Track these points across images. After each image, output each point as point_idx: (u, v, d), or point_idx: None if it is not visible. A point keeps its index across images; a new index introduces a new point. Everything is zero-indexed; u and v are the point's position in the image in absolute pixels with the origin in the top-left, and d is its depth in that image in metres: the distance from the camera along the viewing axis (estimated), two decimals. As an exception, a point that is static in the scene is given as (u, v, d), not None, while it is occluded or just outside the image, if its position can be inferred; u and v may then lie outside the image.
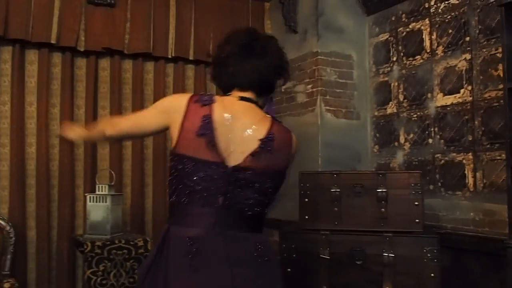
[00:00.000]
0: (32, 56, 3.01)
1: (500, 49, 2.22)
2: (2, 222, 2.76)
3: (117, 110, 3.14)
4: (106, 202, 2.74)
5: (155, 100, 3.20)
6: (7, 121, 2.95)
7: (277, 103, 3.38)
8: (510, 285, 1.92)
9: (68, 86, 3.05)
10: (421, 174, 2.28)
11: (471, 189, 2.48)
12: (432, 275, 2.14)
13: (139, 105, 3.19)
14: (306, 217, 2.33)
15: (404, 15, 2.91)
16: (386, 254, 2.17)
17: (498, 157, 2.36)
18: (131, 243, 2.70)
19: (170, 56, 3.25)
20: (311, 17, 3.07)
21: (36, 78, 3.01)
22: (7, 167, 2.93)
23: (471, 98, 2.50)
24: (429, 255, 2.15)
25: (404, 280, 2.16)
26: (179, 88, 3.31)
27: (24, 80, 2.99)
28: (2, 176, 2.93)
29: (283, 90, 3.33)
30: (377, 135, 3.07)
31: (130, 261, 2.68)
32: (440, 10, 2.69)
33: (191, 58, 3.30)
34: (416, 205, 2.21)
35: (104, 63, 3.18)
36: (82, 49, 3.03)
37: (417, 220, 2.20)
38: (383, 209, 2.24)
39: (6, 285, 2.56)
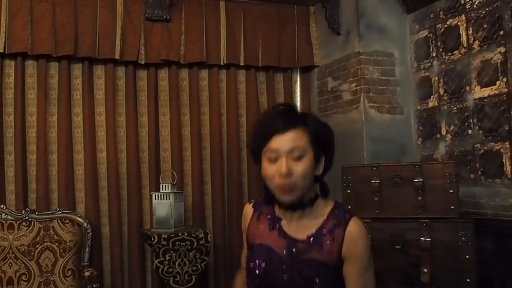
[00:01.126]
0: (99, 71, 3.52)
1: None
2: (81, 220, 3.29)
3: (176, 115, 3.61)
4: (169, 199, 3.20)
5: (211, 105, 3.69)
6: (80, 130, 3.47)
7: (324, 102, 3.73)
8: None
9: (131, 96, 3.54)
10: (455, 164, 2.54)
11: (509, 177, 2.71)
12: (467, 257, 2.40)
13: (196, 110, 3.64)
14: (349, 207, 2.65)
15: (441, 12, 3.16)
16: (424, 239, 2.46)
17: (535, 145, 2.59)
18: (193, 235, 3.14)
19: (222, 63, 3.66)
20: (352, 19, 3.39)
21: (104, 91, 3.52)
22: (82, 171, 3.45)
23: (506, 90, 2.72)
24: (463, 238, 2.41)
25: (441, 262, 2.44)
26: (232, 92, 3.74)
27: (93, 93, 3.50)
28: (78, 179, 3.45)
29: (329, 89, 3.67)
30: (421, 128, 3.34)
31: (193, 251, 3.12)
32: (475, 6, 2.92)
33: (241, 64, 3.70)
34: (451, 192, 2.48)
35: (163, 73, 3.64)
36: (142, 62, 3.50)
37: (452, 207, 2.47)
38: (420, 198, 2.52)
39: (86, 273, 3.08)
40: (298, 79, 3.96)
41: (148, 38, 3.51)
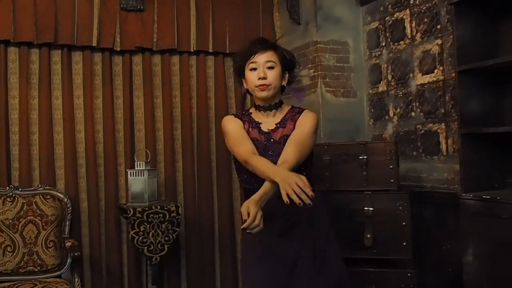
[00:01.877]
0: (77, 57, 3.74)
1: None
2: (61, 195, 3.54)
3: (149, 98, 3.87)
4: (143, 176, 3.49)
5: (182, 88, 3.97)
6: (60, 112, 3.69)
7: (286, 86, 4.04)
8: (463, 229, 2.52)
9: (108, 81, 3.77)
10: (394, 143, 2.90)
11: (445, 154, 3.08)
12: (404, 223, 2.77)
13: (168, 93, 3.91)
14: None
15: (390, 5, 3.49)
16: (367, 208, 2.82)
17: (465, 126, 2.94)
18: (165, 208, 3.44)
19: (192, 50, 3.93)
20: (311, 11, 3.69)
21: (82, 76, 3.73)
22: (61, 150, 3.69)
23: (442, 77, 3.08)
24: (401, 208, 2.78)
25: (382, 228, 2.80)
26: (201, 76, 4.01)
27: (72, 77, 3.72)
28: (58, 158, 3.69)
29: (291, 75, 3.98)
30: (372, 110, 3.68)
31: (165, 223, 3.42)
32: (417, 2, 3.26)
33: (210, 50, 3.97)
34: (391, 168, 2.84)
35: (137, 59, 3.88)
36: (118, 49, 3.74)
37: (392, 180, 2.83)
38: (364, 173, 2.87)
39: (68, 243, 3.34)
40: (263, 64, 4.24)
41: (123, 27, 3.74)
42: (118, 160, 3.83)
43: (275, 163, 1.98)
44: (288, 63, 2.16)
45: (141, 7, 3.74)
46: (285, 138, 2.09)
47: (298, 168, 2.00)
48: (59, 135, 3.71)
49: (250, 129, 2.16)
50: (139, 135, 3.90)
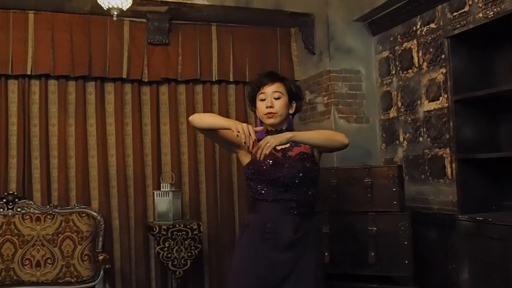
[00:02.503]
0: (109, 87, 4.12)
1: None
2: (95, 214, 3.87)
3: (175, 124, 4.21)
4: (168, 196, 3.80)
5: (204, 115, 4.26)
6: (94, 138, 4.06)
7: (303, 112, 4.29)
8: (459, 249, 2.69)
9: (137, 109, 4.13)
10: (398, 167, 3.10)
11: (449, 177, 3.25)
12: (406, 242, 2.96)
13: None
14: (313, 202, 3.21)
15: (399, 36, 3.71)
16: (371, 228, 3.02)
17: (467, 151, 3.12)
18: (188, 226, 3.73)
19: (214, 80, 4.25)
20: (324, 41, 3.95)
21: (113, 104, 4.11)
22: (95, 172, 4.06)
23: (447, 104, 3.26)
24: (403, 228, 2.97)
25: (385, 247, 2.99)
26: (223, 103, 4.33)
27: (105, 106, 4.10)
28: (92, 180, 4.05)
29: (307, 101, 4.24)
30: (384, 135, 3.89)
31: (188, 240, 3.71)
32: (423, 33, 3.47)
33: (231, 79, 4.29)
34: (394, 190, 3.03)
35: (163, 89, 4.24)
36: (146, 80, 4.10)
37: (394, 202, 3.02)
38: (369, 195, 3.08)
39: (100, 257, 3.68)
40: (282, 91, 4.52)
41: (150, 60, 4.10)
42: (146, 182, 4.16)
43: (292, 176, 2.22)
44: (294, 94, 2.39)
45: (167, 41, 4.08)
46: (301, 154, 2.28)
47: (305, 186, 2.24)
48: (93, 158, 4.07)
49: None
50: (165, 158, 4.23)
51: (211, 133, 2.34)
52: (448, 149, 3.26)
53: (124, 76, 4.03)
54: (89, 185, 4.05)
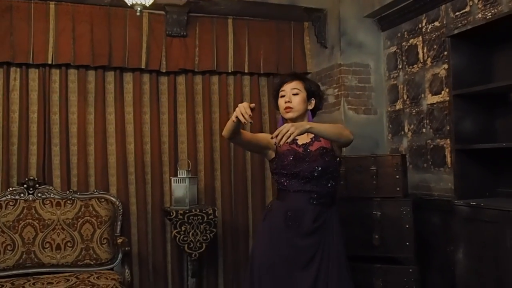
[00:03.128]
0: (128, 77, 4.61)
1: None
2: (113, 199, 4.38)
3: (191, 114, 4.70)
4: (185, 183, 4.30)
5: (221, 105, 4.75)
6: (113, 126, 4.55)
7: (314, 103, 4.77)
8: (455, 231, 3.16)
9: (155, 98, 4.63)
10: (401, 156, 3.58)
11: (449, 166, 3.73)
12: (407, 226, 3.45)
13: (208, 109, 4.73)
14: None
15: (406, 32, 4.18)
16: (376, 213, 3.51)
17: (467, 142, 3.59)
18: (203, 211, 4.23)
19: (230, 71, 4.74)
20: (336, 36, 4.42)
21: (132, 94, 4.60)
22: (114, 159, 4.55)
23: (448, 98, 3.72)
24: (404, 212, 3.45)
25: (388, 230, 3.48)
26: (238, 94, 4.82)
27: (123, 95, 4.59)
28: (111, 166, 4.55)
29: (318, 93, 4.72)
30: (390, 126, 4.36)
31: (203, 224, 4.21)
32: (428, 30, 3.93)
33: (246, 71, 4.78)
34: (397, 178, 3.52)
35: (181, 79, 4.73)
36: (164, 71, 4.59)
37: (398, 189, 3.51)
38: (374, 182, 3.57)
39: (119, 240, 4.17)
40: (294, 83, 5.01)
41: (169, 51, 4.58)
42: (163, 169, 4.66)
43: (311, 169, 2.62)
44: (312, 92, 2.78)
45: (184, 33, 4.57)
46: (321, 149, 2.67)
47: (325, 179, 2.66)
48: (112, 146, 4.56)
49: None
50: (182, 146, 4.73)
51: (236, 137, 2.58)
52: (448, 140, 3.73)
53: (143, 66, 4.51)
54: (108, 172, 4.53)
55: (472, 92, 3.18)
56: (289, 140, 2.31)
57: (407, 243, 3.44)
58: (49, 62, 4.32)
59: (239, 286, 4.75)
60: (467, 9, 3.55)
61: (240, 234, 4.75)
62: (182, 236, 4.17)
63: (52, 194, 4.29)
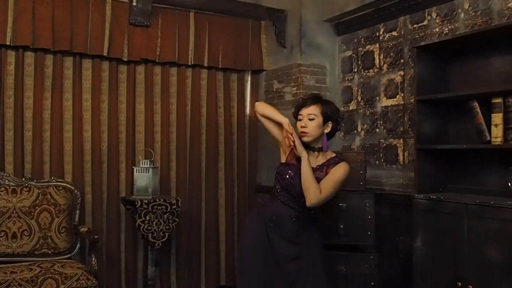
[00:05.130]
0: (87, 64, 4.48)
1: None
2: (72, 187, 4.27)
3: (150, 104, 4.67)
4: (148, 172, 4.29)
5: (178, 96, 4.77)
6: (70, 113, 4.41)
7: (270, 100, 4.95)
8: (415, 222, 3.50)
9: (113, 87, 4.54)
10: (364, 153, 3.88)
11: (401, 164, 4.09)
12: (369, 217, 3.75)
13: (166, 100, 4.73)
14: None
15: (362, 38, 4.48)
16: (341, 204, 3.77)
17: (419, 142, 3.96)
18: (167, 201, 4.25)
19: (190, 64, 4.77)
20: (296, 38, 4.63)
21: (90, 81, 4.48)
22: (70, 147, 4.42)
23: (403, 102, 4.08)
24: (367, 205, 3.75)
25: (352, 220, 3.76)
26: (196, 87, 4.85)
27: (82, 82, 4.46)
28: (66, 154, 4.41)
29: (274, 90, 4.90)
30: (343, 125, 4.65)
31: (166, 214, 4.23)
32: (385, 38, 4.26)
33: (205, 65, 4.84)
34: (361, 173, 3.80)
35: (140, 69, 4.68)
36: (125, 59, 4.52)
37: (361, 183, 3.80)
38: (340, 176, 3.82)
39: (83, 229, 4.06)
40: (249, 79, 5.17)
41: (131, 40, 4.52)
42: (120, 158, 4.60)
43: (301, 194, 2.81)
44: (329, 116, 2.89)
45: (148, 23, 4.52)
46: (317, 179, 2.81)
47: (310, 209, 2.84)
48: (68, 133, 4.42)
49: (295, 155, 2.90)
50: (139, 136, 4.69)
51: (267, 121, 2.98)
52: (401, 139, 4.09)
53: (105, 54, 4.41)
54: (63, 160, 4.39)
55: (432, 99, 3.52)
56: (290, 144, 2.82)
57: (369, 233, 3.74)
58: (7, 43, 4.10)
59: (191, 275, 4.82)
60: (425, 22, 3.91)
61: (193, 224, 4.82)
62: (146, 226, 4.16)
63: (6, 181, 4.08)
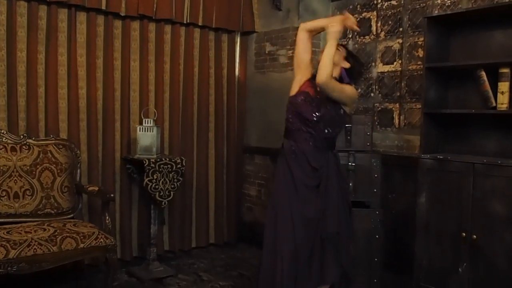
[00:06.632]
0: (81, 17, 4.26)
1: (421, 38, 4.08)
2: (72, 145, 4.11)
3: (145, 63, 4.56)
4: (152, 131, 4.23)
5: (172, 55, 4.69)
6: (64, 68, 4.20)
7: (261, 62, 5.01)
8: (420, 180, 3.80)
9: (109, 43, 4.37)
10: (372, 115, 4.10)
11: (396, 127, 4.37)
12: (376, 175, 4.00)
13: (160, 59, 4.64)
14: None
15: (359, 5, 4.65)
16: (350, 163, 3.99)
17: (414, 107, 4.25)
18: (172, 160, 4.24)
19: (185, 22, 4.69)
20: (293, 1, 4.69)
21: (85, 36, 4.28)
22: (65, 104, 4.23)
23: (400, 68, 4.34)
24: (374, 164, 4.00)
25: (361, 178, 3.99)
26: (189, 46, 4.79)
27: (76, 36, 4.25)
28: (61, 111, 4.22)
29: (267, 52, 4.96)
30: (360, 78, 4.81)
31: (172, 173, 4.23)
32: (384, 7, 4.46)
33: (200, 23, 4.78)
34: (368, 135, 4.04)
35: (135, 25, 4.53)
36: (123, 14, 4.35)
37: (368, 144, 4.04)
38: (348, 137, 4.03)
39: (91, 188, 3.97)
40: (239, 40, 5.17)
41: (129, -7, 4.36)
42: (115, 117, 4.47)
43: (312, 114, 3.01)
44: (351, 56, 3.24)
45: (145, -23, 4.38)
46: (327, 98, 3.03)
47: (323, 125, 3.05)
48: (63, 90, 4.22)
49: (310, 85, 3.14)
50: (134, 95, 4.57)
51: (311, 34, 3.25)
52: (397, 104, 4.36)
53: (103, 7, 4.22)
54: (58, 117, 4.20)
55: (440, 66, 3.80)
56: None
57: (375, 190, 4.00)
58: (0, -9, 3.80)
59: (182, 233, 4.86)
60: (426, -7, 4.15)
61: (185, 184, 4.84)
62: (154, 184, 4.14)
63: (4, 138, 3.85)
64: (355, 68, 3.20)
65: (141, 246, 4.61)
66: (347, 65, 3.18)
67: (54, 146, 3.99)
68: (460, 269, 3.49)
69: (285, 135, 3.19)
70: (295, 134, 3.10)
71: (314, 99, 3.07)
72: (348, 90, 3.14)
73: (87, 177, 4.34)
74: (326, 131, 3.09)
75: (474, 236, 3.43)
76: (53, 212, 3.90)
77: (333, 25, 3.04)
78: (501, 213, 3.30)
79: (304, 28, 3.22)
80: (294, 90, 3.16)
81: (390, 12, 4.42)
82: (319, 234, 3.06)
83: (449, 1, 4.01)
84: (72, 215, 3.99)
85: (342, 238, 3.14)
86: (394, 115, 4.40)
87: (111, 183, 4.44)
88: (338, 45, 3.09)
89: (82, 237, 3.49)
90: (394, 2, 4.38)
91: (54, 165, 3.94)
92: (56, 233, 3.44)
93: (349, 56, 3.22)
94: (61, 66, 4.20)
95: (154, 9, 4.50)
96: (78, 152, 4.11)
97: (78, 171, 4.12)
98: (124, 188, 4.52)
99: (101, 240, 3.55)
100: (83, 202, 4.16)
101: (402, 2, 4.32)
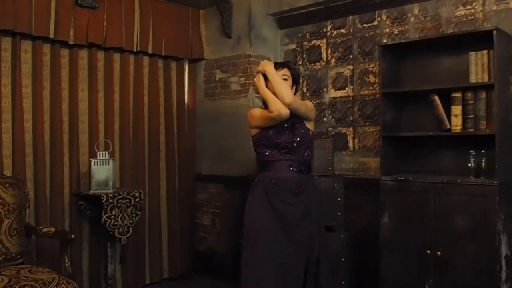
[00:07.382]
0: (26, 46, 3.98)
1: (371, 65, 4.24)
2: (21, 184, 3.76)
3: (94, 92, 4.34)
4: (108, 165, 4.00)
5: (121, 84, 4.51)
6: (8, 101, 3.90)
7: (211, 89, 4.95)
8: (382, 200, 3.90)
9: (56, 72, 4.11)
10: (332, 141, 4.17)
11: (351, 150, 4.48)
12: (339, 199, 4.06)
13: (110, 88, 4.44)
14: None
15: (308, 33, 4.75)
16: (315, 189, 4.02)
17: (368, 130, 4.38)
18: (131, 194, 4.03)
19: (135, 50, 4.54)
20: (245, 29, 4.71)
21: (30, 65, 4.00)
22: (9, 138, 3.90)
23: (352, 94, 4.47)
24: (337, 187, 4.06)
25: (325, 202, 4.03)
26: (139, 74, 4.64)
27: (21, 66, 3.95)
28: (5, 146, 3.89)
29: (217, 79, 4.91)
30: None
31: (130, 207, 4.02)
32: (333, 35, 4.59)
33: (150, 52, 4.64)
34: (329, 159, 4.09)
35: (82, 54, 4.30)
36: (72, 43, 4.12)
37: (329, 168, 4.09)
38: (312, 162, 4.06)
39: (47, 229, 3.66)
40: (187, 68, 5.08)
41: (77, 22, 4.13)
42: (64, 150, 4.19)
43: (291, 140, 3.03)
44: (295, 80, 3.20)
45: (95, 5, 4.18)
46: (295, 122, 3.07)
47: (303, 148, 3.08)
48: (7, 123, 3.91)
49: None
50: (82, 126, 4.32)
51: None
52: (351, 128, 4.47)
53: (52, 36, 3.98)
54: (2, 153, 3.87)
55: (396, 92, 3.96)
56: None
57: (339, 213, 4.05)
58: None
59: (135, 270, 4.62)
60: (375, 23, 4.32)
61: (153, 216, 4.64)
62: (112, 221, 3.90)
63: None
64: (295, 73, 3.23)
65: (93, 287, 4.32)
66: (289, 76, 3.17)
67: (0, 186, 3.65)
68: (426, 286, 3.60)
69: (261, 169, 3.12)
70: (275, 165, 3.05)
71: (283, 127, 3.07)
72: (307, 102, 3.24)
73: (34, 217, 4.01)
74: (305, 154, 3.11)
75: (439, 253, 3.56)
76: (0, 258, 3.54)
77: (263, 69, 3.12)
78: (463, 228, 3.46)
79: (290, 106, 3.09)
80: (255, 130, 3.14)
81: (339, 40, 4.55)
82: (305, 261, 3.03)
83: (397, 30, 4.21)
84: (21, 260, 3.64)
85: (325, 260, 3.14)
86: (348, 139, 4.50)
87: (61, 222, 4.13)
88: (267, 72, 3.12)
89: (42, 285, 3.18)
90: (343, 31, 4.53)
91: (1, 206, 3.59)
92: (12, 282, 3.11)
93: (280, 67, 3.17)
94: (5, 98, 3.89)
95: (104, 37, 4.31)
96: (26, 190, 3.79)
97: (27, 211, 3.80)
98: (74, 227, 4.22)
99: (63, 286, 3.26)
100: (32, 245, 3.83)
101: (351, 30, 4.48)
